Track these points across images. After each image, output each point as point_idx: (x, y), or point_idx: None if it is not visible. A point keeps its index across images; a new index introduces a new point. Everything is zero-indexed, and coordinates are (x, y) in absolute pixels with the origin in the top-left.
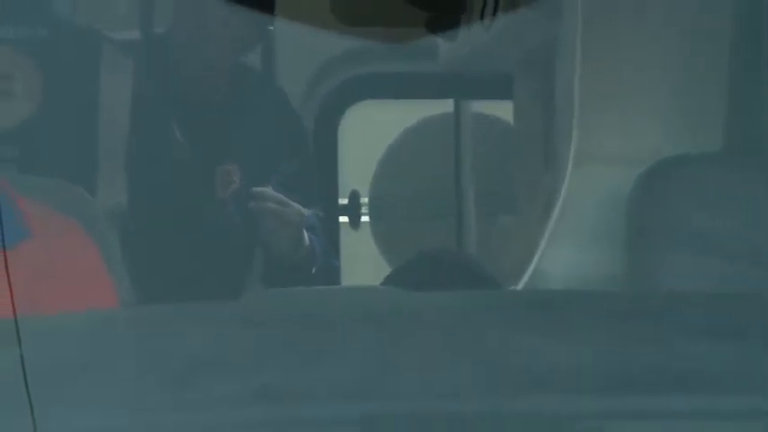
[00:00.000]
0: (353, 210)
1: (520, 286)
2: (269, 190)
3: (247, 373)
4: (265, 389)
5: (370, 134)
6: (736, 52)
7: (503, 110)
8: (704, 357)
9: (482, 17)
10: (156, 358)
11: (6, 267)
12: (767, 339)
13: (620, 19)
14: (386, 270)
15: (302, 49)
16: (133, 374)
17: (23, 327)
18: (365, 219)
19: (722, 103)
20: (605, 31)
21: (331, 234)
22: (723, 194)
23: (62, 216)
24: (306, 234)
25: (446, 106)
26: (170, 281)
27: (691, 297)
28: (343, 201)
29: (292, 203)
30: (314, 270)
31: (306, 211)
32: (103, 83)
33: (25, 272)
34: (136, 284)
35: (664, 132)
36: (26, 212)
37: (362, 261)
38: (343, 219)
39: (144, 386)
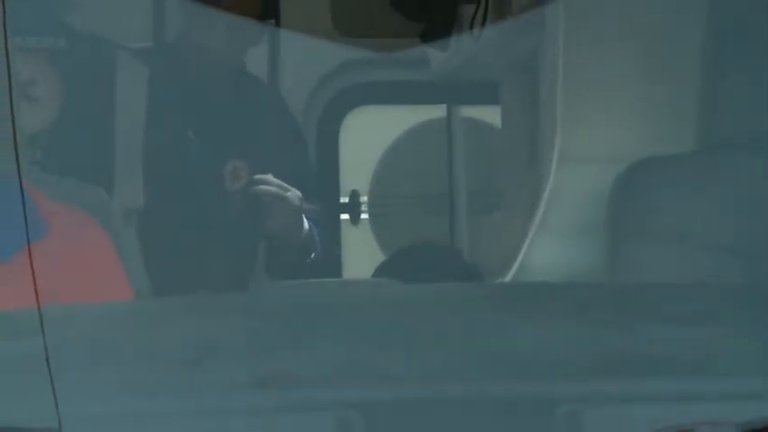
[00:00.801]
0: (354, 208)
1: (508, 278)
2: (270, 176)
3: (252, 360)
4: (268, 374)
5: (368, 138)
6: (709, 57)
7: (491, 114)
8: (680, 343)
9: (471, 28)
10: (168, 347)
11: (30, 261)
12: (738, 325)
13: (600, 28)
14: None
15: (306, 59)
16: (145, 362)
17: (46, 317)
18: (365, 216)
19: (697, 106)
20: (586, 39)
21: (333, 229)
22: (698, 191)
23: (80, 213)
24: (306, 220)
25: (439, 111)
26: (181, 274)
27: (668, 287)
28: (344, 199)
29: (292, 188)
30: (313, 255)
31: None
32: (118, 89)
33: (46, 265)
34: (149, 278)
35: (642, 133)
36: (46, 210)
37: (362, 254)
38: (344, 216)
39: (156, 373)
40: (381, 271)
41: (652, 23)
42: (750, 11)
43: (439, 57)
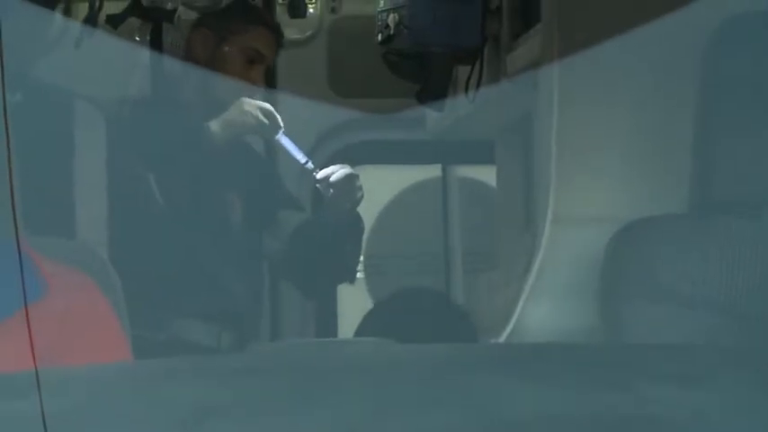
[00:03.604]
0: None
1: (503, 338)
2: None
3: (251, 421)
4: None
5: (364, 197)
6: (701, 118)
7: (486, 174)
8: (672, 404)
9: (467, 89)
10: (167, 408)
11: (28, 321)
12: (735, 386)
13: (594, 89)
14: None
15: (303, 120)
16: (144, 423)
17: (43, 378)
18: (360, 275)
19: (690, 167)
20: (579, 100)
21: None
22: (691, 252)
23: (77, 273)
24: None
25: (434, 171)
26: (178, 331)
27: (663, 347)
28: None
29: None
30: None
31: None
32: (109, 148)
33: (44, 326)
34: (146, 337)
35: (636, 194)
36: (44, 270)
37: (358, 313)
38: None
39: None
40: (371, 314)
41: (645, 85)
42: (742, 72)
43: (434, 117)
